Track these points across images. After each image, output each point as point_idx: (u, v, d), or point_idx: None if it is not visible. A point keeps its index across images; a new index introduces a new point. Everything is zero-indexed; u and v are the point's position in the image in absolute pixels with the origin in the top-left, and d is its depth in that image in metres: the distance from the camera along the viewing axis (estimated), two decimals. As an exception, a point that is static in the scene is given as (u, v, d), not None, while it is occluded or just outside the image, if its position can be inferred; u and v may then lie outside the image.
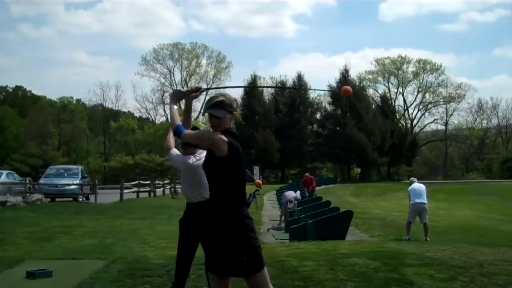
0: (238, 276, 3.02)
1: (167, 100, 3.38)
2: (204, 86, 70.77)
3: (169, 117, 3.18)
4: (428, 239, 10.79)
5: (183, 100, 3.40)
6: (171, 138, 4.61)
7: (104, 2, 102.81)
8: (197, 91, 3.35)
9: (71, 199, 21.43)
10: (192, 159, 4.44)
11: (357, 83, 62.85)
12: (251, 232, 3.02)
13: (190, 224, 4.47)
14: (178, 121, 3.19)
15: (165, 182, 31.08)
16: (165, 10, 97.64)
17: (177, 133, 3.15)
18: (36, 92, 73.46)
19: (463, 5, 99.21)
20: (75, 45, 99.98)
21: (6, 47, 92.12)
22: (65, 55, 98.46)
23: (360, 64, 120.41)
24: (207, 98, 3.16)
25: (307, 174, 24.60)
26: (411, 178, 12.55)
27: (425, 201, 11.39)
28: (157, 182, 29.89)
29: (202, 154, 4.51)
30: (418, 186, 11.62)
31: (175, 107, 3.30)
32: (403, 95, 73.34)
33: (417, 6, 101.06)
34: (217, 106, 3.05)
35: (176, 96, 3.37)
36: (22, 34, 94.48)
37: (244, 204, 3.08)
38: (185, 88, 3.40)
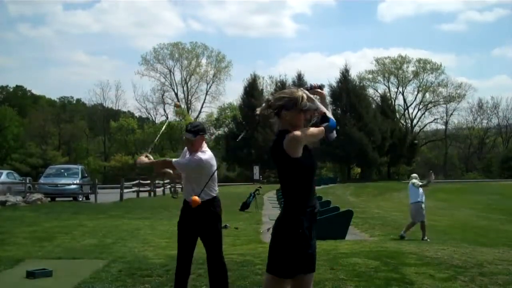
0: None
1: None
2: (204, 86, 70.94)
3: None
4: (426, 238, 10.73)
5: None
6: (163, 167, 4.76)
7: (102, 2, 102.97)
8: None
9: (71, 198, 21.43)
10: (202, 155, 4.42)
11: (357, 82, 62.88)
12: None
13: (191, 224, 4.47)
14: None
15: (165, 182, 31.05)
16: (163, 10, 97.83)
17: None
18: (36, 92, 73.77)
19: (462, 5, 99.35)
20: (74, 45, 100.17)
21: (6, 47, 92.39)
22: (64, 55, 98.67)
23: (359, 63, 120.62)
24: (297, 95, 3.04)
25: None
26: (413, 175, 12.27)
27: (412, 200, 11.35)
28: (157, 182, 29.87)
29: (204, 148, 4.49)
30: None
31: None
32: (403, 94, 73.46)
33: (416, 6, 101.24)
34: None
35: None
36: (21, 34, 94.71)
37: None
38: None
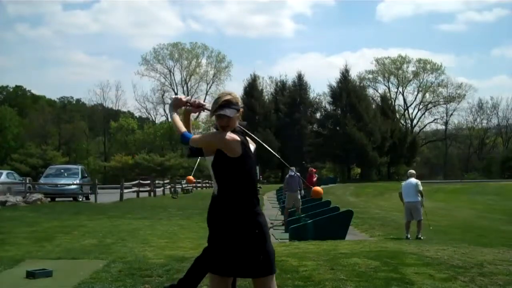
0: (251, 277, 3.00)
1: (168, 108, 3.33)
2: (204, 86, 70.99)
3: (173, 126, 3.20)
4: (420, 236, 10.78)
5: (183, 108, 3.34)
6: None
7: (101, 2, 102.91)
8: (199, 107, 3.34)
9: (71, 199, 21.43)
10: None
11: (358, 83, 62.92)
12: (267, 231, 3.01)
13: None
14: (183, 128, 3.15)
15: (165, 182, 31.09)
16: (162, 10, 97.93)
17: (184, 140, 3.09)
18: (36, 92, 73.75)
19: (461, 5, 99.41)
20: (73, 45, 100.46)
21: (5, 47, 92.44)
22: (64, 55, 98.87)
23: (358, 64, 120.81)
24: (215, 99, 3.10)
25: (311, 168, 22.75)
26: (411, 171, 12.26)
27: (413, 199, 11.30)
28: (157, 182, 29.89)
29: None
30: (408, 183, 11.55)
31: (175, 115, 3.24)
32: (403, 95, 73.53)
33: (415, 6, 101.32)
34: (226, 106, 3.00)
35: (176, 104, 3.31)
36: (20, 34, 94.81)
37: (258, 203, 3.05)
38: (186, 97, 3.35)
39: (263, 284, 2.97)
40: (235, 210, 2.93)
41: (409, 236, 10.96)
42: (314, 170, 21.70)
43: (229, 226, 2.92)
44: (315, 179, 20.64)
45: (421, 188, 11.41)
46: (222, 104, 3.01)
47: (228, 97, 3.05)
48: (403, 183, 11.73)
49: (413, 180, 11.48)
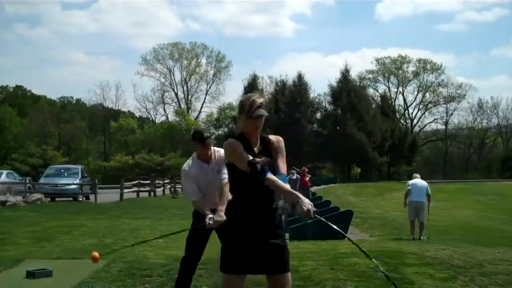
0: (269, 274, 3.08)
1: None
2: (204, 85, 70.97)
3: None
4: (422, 237, 10.74)
5: None
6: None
7: (99, 2, 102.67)
8: None
9: (71, 198, 21.44)
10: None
11: (358, 82, 62.86)
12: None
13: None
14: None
15: (165, 182, 31.09)
16: (161, 9, 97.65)
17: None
18: (36, 92, 73.61)
19: (460, 5, 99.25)
20: (72, 45, 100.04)
21: (4, 47, 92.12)
22: (63, 55, 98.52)
23: (358, 63, 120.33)
24: (248, 101, 3.11)
25: (303, 168, 22.49)
26: (414, 174, 12.21)
27: (423, 199, 11.23)
28: (157, 182, 29.90)
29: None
30: (419, 183, 11.44)
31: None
32: (403, 94, 73.45)
33: (414, 6, 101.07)
34: (263, 107, 3.15)
35: None
36: (19, 34, 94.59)
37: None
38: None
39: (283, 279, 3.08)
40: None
41: (415, 237, 10.86)
42: (306, 170, 21.66)
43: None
44: (307, 178, 20.56)
45: (429, 191, 11.37)
46: (261, 105, 3.13)
47: (263, 99, 3.17)
48: (412, 181, 11.51)
49: (423, 181, 11.45)
